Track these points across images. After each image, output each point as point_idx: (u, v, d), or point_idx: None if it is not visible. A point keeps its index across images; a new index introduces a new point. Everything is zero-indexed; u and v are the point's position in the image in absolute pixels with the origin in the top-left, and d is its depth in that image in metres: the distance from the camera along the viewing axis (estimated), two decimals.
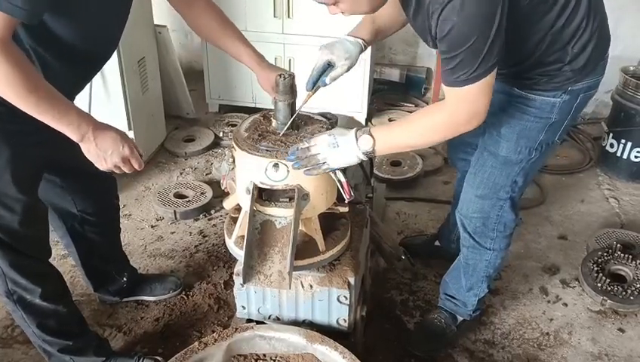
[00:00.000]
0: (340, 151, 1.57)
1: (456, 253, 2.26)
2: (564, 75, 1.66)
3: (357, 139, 1.56)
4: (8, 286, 1.79)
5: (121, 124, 3.18)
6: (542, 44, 1.60)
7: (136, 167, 1.64)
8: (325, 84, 1.75)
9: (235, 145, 1.68)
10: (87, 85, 2.76)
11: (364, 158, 1.58)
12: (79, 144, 1.54)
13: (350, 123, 2.83)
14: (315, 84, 1.76)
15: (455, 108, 1.51)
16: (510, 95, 1.74)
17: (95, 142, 1.54)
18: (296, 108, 1.73)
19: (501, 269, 2.59)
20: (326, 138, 1.57)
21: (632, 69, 3.35)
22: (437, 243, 2.63)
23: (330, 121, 1.81)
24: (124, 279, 2.33)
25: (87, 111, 2.93)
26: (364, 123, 3.78)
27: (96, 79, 3.03)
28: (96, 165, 1.59)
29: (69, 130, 1.50)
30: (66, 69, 1.59)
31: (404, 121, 1.63)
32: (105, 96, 3.10)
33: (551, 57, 1.63)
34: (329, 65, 1.76)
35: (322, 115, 1.88)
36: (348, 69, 1.77)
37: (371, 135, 1.56)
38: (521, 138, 1.76)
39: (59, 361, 1.98)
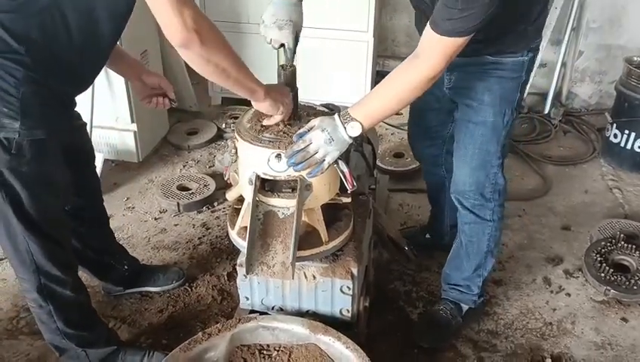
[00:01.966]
0: (334, 144, 1.59)
1: (448, 245, 2.27)
2: (527, 35, 1.78)
3: (345, 129, 1.59)
4: (41, 282, 1.79)
5: (124, 117, 3.19)
6: (515, 8, 1.66)
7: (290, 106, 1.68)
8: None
9: (237, 136, 1.68)
10: None
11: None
12: (256, 103, 1.61)
13: None
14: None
15: (436, 57, 1.53)
16: (484, 64, 1.81)
17: (271, 92, 1.60)
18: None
19: (504, 256, 2.60)
20: (320, 135, 1.58)
21: (636, 59, 3.33)
22: (427, 235, 2.64)
23: (333, 113, 1.81)
24: (125, 267, 2.34)
25: (90, 105, 2.95)
26: None
27: (99, 73, 3.02)
28: (271, 112, 1.63)
29: (256, 92, 1.57)
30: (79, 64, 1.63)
31: (380, 92, 1.64)
32: (108, 89, 3.10)
33: (519, 19, 1.72)
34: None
35: (325, 106, 1.88)
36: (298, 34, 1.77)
37: (356, 120, 1.58)
38: (503, 101, 1.85)
39: (71, 356, 1.99)
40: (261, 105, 1.61)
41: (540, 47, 1.94)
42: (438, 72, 1.55)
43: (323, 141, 1.57)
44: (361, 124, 1.59)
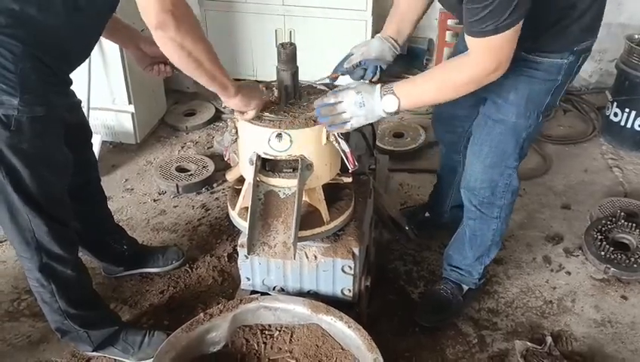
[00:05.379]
0: (365, 110, 1.58)
1: (447, 222, 2.24)
2: (571, 34, 1.65)
3: (382, 99, 1.57)
4: (43, 261, 1.79)
5: (122, 99, 3.16)
6: (552, 2, 1.58)
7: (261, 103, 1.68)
8: (342, 72, 1.89)
9: (237, 116, 1.67)
10: (86, 61, 2.76)
11: (387, 116, 1.61)
12: (227, 99, 1.59)
13: None
14: (335, 71, 1.90)
15: (481, 59, 1.50)
16: (515, 60, 1.66)
17: (242, 90, 1.59)
18: (317, 82, 1.79)
19: (505, 236, 2.60)
20: (353, 96, 1.57)
21: (637, 37, 3.30)
22: (427, 214, 2.62)
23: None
24: (125, 247, 2.34)
25: (86, 86, 2.92)
26: None
27: (96, 55, 2.99)
28: (242, 108, 1.62)
29: (228, 88, 1.55)
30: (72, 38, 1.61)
31: (428, 77, 1.63)
32: (104, 71, 3.07)
33: (560, 14, 1.61)
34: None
35: (325, 85, 1.86)
36: (378, 67, 1.88)
37: (396, 95, 1.57)
38: (529, 102, 1.76)
39: (73, 337, 2.00)
40: (232, 101, 1.58)
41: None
42: (490, 71, 1.51)
43: (354, 102, 1.57)
44: (399, 101, 1.57)
